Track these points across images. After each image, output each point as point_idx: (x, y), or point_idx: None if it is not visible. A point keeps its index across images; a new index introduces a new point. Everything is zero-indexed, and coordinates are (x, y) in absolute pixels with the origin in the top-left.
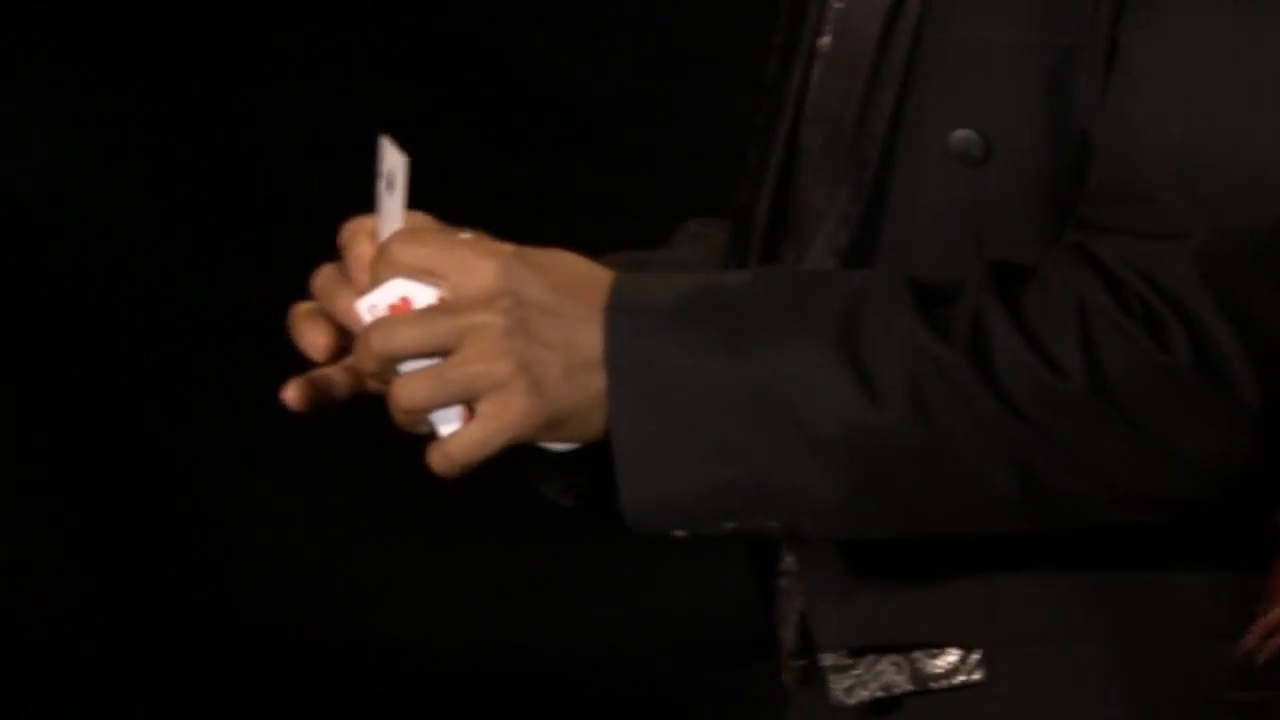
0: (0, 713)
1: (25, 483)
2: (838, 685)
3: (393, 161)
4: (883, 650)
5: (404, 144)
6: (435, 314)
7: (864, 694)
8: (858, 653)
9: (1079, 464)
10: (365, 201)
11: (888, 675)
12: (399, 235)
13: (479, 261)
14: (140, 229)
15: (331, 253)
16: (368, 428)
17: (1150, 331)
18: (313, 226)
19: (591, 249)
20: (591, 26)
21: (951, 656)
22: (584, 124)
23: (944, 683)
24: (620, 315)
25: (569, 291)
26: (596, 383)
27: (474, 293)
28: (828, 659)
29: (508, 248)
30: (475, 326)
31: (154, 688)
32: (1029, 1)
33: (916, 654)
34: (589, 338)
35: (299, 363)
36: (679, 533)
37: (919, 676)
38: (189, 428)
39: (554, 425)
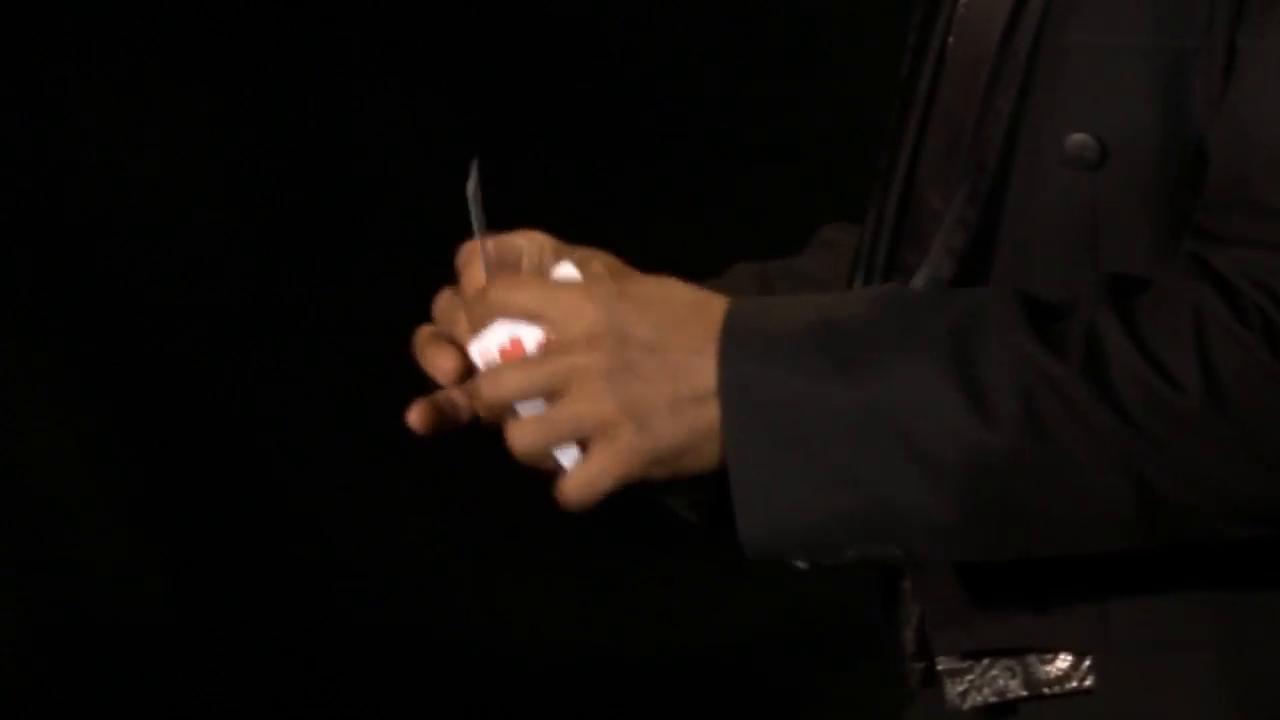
0: (88, 710)
1: (109, 484)
2: (953, 689)
3: (470, 188)
4: (996, 654)
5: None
6: (539, 360)
7: (978, 698)
8: (971, 655)
9: (1195, 477)
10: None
11: (1001, 680)
12: (499, 282)
13: (580, 304)
14: (243, 233)
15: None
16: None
17: (1268, 343)
18: (412, 236)
19: (734, 252)
20: (729, 26)
21: (1063, 662)
22: (726, 125)
23: (1056, 688)
24: (733, 345)
25: (675, 325)
26: (707, 415)
27: (576, 334)
28: (943, 662)
29: (610, 286)
30: (578, 369)
31: (242, 686)
32: (1146, 5)
33: (1029, 657)
34: (700, 370)
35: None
36: (800, 563)
37: (1031, 681)
38: (279, 428)
39: (664, 461)
